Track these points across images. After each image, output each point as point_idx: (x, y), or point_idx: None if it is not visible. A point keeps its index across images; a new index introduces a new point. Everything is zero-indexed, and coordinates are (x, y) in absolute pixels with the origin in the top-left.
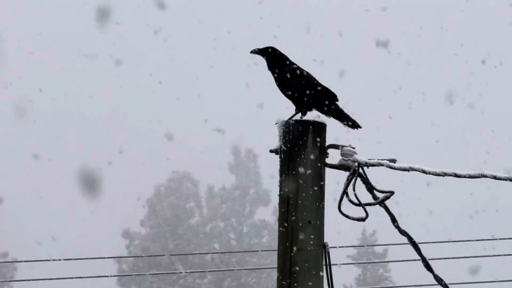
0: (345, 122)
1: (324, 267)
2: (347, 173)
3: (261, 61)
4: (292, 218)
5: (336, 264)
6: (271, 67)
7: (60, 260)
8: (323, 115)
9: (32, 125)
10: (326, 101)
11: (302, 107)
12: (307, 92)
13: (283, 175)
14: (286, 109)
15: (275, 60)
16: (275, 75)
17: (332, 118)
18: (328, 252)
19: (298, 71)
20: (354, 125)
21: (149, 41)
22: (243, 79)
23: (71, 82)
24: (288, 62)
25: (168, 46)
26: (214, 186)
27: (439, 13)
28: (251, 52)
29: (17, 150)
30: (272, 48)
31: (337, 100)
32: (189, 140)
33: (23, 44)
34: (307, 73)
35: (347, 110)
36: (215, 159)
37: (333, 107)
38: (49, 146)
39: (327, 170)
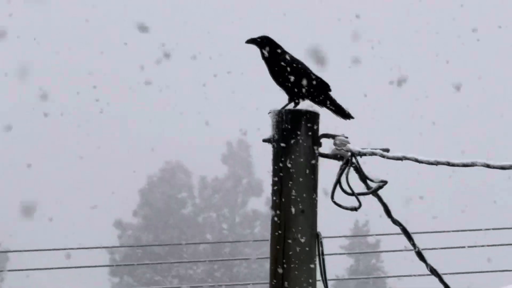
0: (338, 113)
1: (317, 257)
2: (340, 163)
3: (255, 50)
4: (285, 208)
5: (328, 254)
6: (264, 57)
7: (52, 250)
8: (316, 105)
9: (26, 116)
10: (320, 91)
11: (295, 97)
12: (301, 82)
13: (276, 165)
14: (278, 98)
15: (269, 49)
16: (269, 64)
17: (324, 108)
18: (321, 242)
19: (291, 61)
20: (347, 115)
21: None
22: (236, 70)
23: (70, 82)
24: (281, 52)
25: (161, 38)
26: (206, 177)
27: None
28: (246, 42)
29: (9, 141)
30: (266, 37)
31: (330, 90)
32: (182, 131)
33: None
34: (301, 63)
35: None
36: (207, 150)
37: (326, 97)
38: (41, 138)
39: (320, 160)
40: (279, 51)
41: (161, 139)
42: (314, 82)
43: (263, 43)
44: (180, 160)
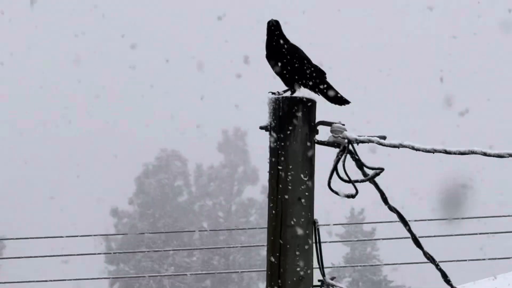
0: (334, 99)
1: (314, 244)
2: (337, 150)
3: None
4: (282, 195)
5: (325, 242)
6: (268, 42)
7: (48, 237)
8: (313, 93)
9: (23, 108)
10: (317, 79)
11: (292, 85)
12: (299, 69)
13: (273, 152)
14: (276, 85)
15: (272, 35)
16: (268, 51)
17: (321, 96)
18: (318, 229)
19: (291, 49)
20: (343, 101)
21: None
22: (231, 57)
23: (75, 76)
24: (282, 39)
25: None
26: (202, 165)
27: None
28: (270, 22)
29: (8, 131)
30: (275, 22)
31: (326, 78)
32: (178, 118)
33: None
34: (300, 51)
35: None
36: (203, 138)
37: (322, 85)
38: (38, 128)
39: (317, 147)
40: (279, 37)
41: (157, 127)
42: (312, 70)
43: (275, 26)
44: (175, 148)
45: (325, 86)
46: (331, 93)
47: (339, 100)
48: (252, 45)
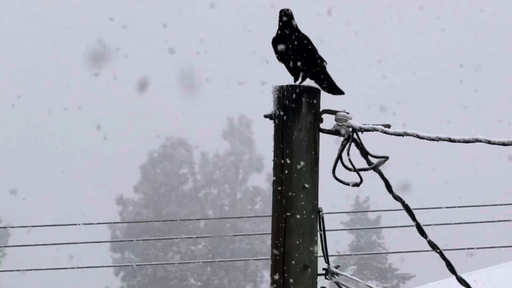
0: (330, 89)
1: (318, 232)
2: (342, 139)
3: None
4: (287, 184)
5: (330, 230)
6: (280, 31)
7: (53, 226)
8: (314, 82)
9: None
10: (319, 68)
11: (298, 74)
12: (306, 60)
13: (277, 141)
14: (279, 73)
15: (282, 24)
16: (276, 39)
17: (319, 86)
18: (322, 218)
19: (298, 38)
20: (338, 91)
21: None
22: (239, 44)
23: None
24: (291, 28)
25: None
26: (207, 153)
27: None
28: (284, 11)
29: (11, 121)
30: (287, 10)
31: (326, 68)
32: (182, 107)
33: None
34: (308, 40)
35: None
36: (209, 126)
37: (323, 74)
38: (42, 119)
39: (322, 135)
40: (289, 26)
41: (162, 115)
42: (317, 61)
43: (287, 15)
44: (181, 136)
45: (325, 75)
46: (329, 82)
47: (334, 89)
48: (256, 36)
